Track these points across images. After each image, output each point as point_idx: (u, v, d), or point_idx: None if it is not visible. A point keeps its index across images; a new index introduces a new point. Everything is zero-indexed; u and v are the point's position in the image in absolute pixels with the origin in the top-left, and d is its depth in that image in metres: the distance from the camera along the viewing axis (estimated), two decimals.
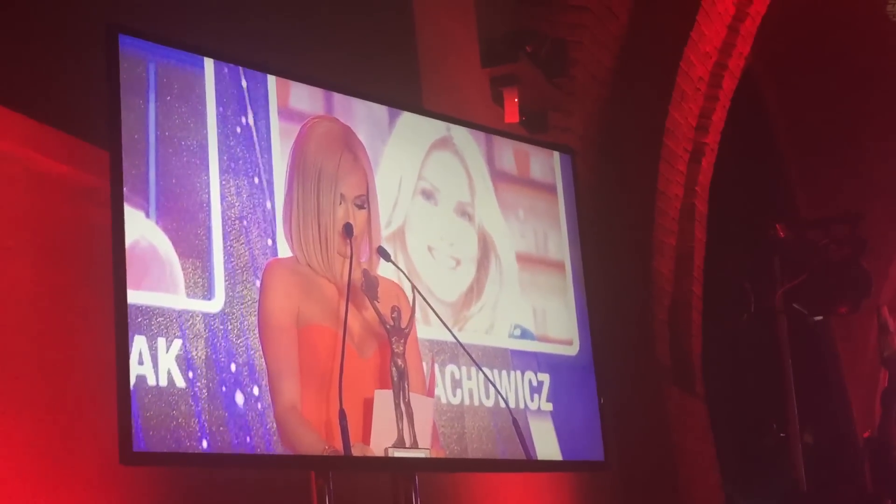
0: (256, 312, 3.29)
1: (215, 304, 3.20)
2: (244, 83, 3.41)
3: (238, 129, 3.36)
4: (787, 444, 6.79)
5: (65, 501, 3.15)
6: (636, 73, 6.11)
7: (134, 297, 3.01)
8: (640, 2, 6.08)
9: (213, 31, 3.67)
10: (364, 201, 3.62)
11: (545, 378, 4.08)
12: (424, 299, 3.72)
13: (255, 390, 3.22)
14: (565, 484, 5.31)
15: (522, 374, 4.02)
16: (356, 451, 3.40)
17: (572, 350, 4.22)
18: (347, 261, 3.51)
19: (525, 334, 4.09)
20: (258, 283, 3.31)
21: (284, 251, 3.40)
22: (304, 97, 3.58)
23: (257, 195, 3.37)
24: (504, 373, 3.96)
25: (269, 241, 3.37)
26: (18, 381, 3.09)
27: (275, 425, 3.25)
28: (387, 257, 3.64)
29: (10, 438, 3.04)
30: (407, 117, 3.87)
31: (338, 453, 3.34)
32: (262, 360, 3.26)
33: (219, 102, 3.32)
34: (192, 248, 3.18)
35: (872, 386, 8.44)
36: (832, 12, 8.37)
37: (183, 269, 3.14)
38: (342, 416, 3.34)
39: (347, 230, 3.52)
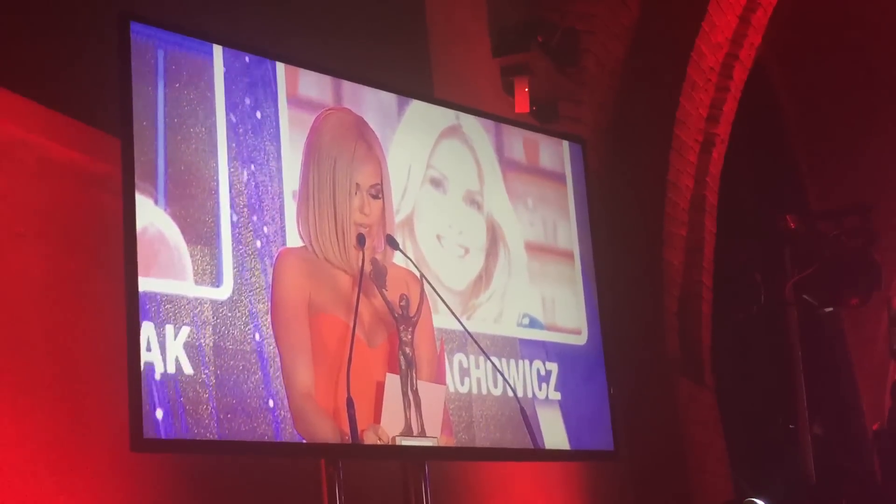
0: (268, 300, 3.30)
1: (223, 292, 3.20)
2: (253, 71, 3.41)
3: (247, 117, 3.36)
4: (797, 435, 6.78)
5: (76, 488, 3.16)
6: (647, 64, 6.10)
7: (142, 283, 3.01)
8: None
9: (222, 18, 3.67)
10: (379, 191, 3.62)
11: (553, 367, 4.08)
12: (433, 288, 3.72)
13: (264, 378, 3.23)
14: (575, 473, 5.32)
15: (531, 363, 4.02)
16: (369, 434, 3.41)
17: (581, 339, 4.22)
18: (361, 252, 3.52)
19: (533, 323, 4.09)
20: (267, 270, 3.32)
21: (293, 239, 3.40)
22: (314, 85, 3.58)
23: (266, 183, 3.37)
24: (512, 362, 3.96)
25: (278, 229, 3.37)
26: (29, 368, 3.10)
27: (283, 413, 3.26)
28: (395, 246, 3.64)
29: (21, 425, 3.05)
30: (416, 105, 3.87)
31: (348, 441, 3.35)
32: (270, 347, 3.27)
33: (227, 90, 3.32)
34: (201, 236, 3.18)
35: (882, 378, 8.43)
36: (843, 3, 8.35)
37: (191, 256, 3.15)
38: (350, 404, 3.35)
39: (360, 241, 3.52)
